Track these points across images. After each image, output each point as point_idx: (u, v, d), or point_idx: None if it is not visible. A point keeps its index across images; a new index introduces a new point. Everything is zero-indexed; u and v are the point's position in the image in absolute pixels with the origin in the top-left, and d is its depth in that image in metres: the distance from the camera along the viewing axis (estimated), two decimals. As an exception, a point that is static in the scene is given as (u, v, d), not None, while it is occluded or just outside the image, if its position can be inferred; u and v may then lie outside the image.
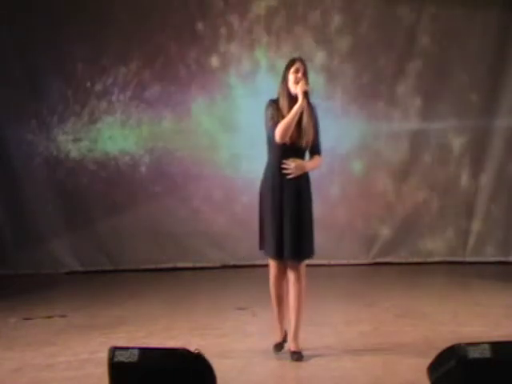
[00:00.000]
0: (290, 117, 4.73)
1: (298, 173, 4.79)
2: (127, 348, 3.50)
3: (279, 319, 4.98)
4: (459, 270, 8.41)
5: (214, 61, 8.81)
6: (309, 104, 4.83)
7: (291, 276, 4.81)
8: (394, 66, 8.77)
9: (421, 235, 8.86)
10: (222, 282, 8.18)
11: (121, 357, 3.44)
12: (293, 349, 4.83)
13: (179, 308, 6.68)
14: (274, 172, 4.82)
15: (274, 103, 4.84)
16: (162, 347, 3.80)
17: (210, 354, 3.62)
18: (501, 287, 7.28)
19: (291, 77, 4.81)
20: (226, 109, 8.85)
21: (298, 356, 4.77)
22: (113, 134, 8.91)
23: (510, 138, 8.75)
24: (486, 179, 8.79)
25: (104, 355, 3.50)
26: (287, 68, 4.86)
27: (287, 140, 4.76)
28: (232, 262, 8.77)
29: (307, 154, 4.92)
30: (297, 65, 4.84)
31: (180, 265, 8.79)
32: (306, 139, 4.81)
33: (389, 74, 8.78)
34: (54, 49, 8.71)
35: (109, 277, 8.62)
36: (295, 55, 5.18)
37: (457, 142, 8.83)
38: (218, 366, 3.66)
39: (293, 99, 4.78)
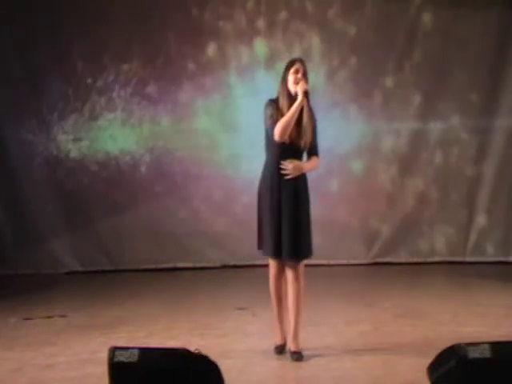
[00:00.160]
0: (290, 115, 4.73)
1: (296, 174, 4.79)
2: (127, 348, 3.49)
3: (279, 319, 4.99)
4: (459, 270, 8.41)
5: (214, 60, 8.81)
6: (308, 105, 4.83)
7: (289, 276, 4.81)
8: (394, 65, 8.78)
9: (421, 235, 8.86)
10: (221, 281, 8.17)
11: (121, 357, 3.44)
12: (293, 349, 4.83)
13: (179, 308, 6.67)
14: (273, 172, 4.82)
15: (274, 102, 4.84)
16: (162, 347, 3.79)
17: (210, 354, 3.61)
18: (501, 287, 7.28)
19: (291, 77, 4.81)
20: (226, 108, 8.85)
21: (298, 356, 4.77)
22: (113, 132, 8.91)
23: (510, 138, 8.76)
24: (486, 179, 8.79)
25: (104, 355, 3.50)
26: (287, 68, 4.86)
27: (286, 139, 4.75)
28: (232, 262, 8.77)
29: (305, 156, 4.92)
30: (296, 65, 4.84)
31: (180, 265, 8.79)
32: (305, 139, 4.80)
33: (389, 74, 8.79)
34: (54, 49, 8.70)
35: (109, 277, 8.61)
36: (295, 56, 5.18)
37: (457, 142, 8.84)
38: (218, 366, 3.67)
39: (293, 99, 4.78)
